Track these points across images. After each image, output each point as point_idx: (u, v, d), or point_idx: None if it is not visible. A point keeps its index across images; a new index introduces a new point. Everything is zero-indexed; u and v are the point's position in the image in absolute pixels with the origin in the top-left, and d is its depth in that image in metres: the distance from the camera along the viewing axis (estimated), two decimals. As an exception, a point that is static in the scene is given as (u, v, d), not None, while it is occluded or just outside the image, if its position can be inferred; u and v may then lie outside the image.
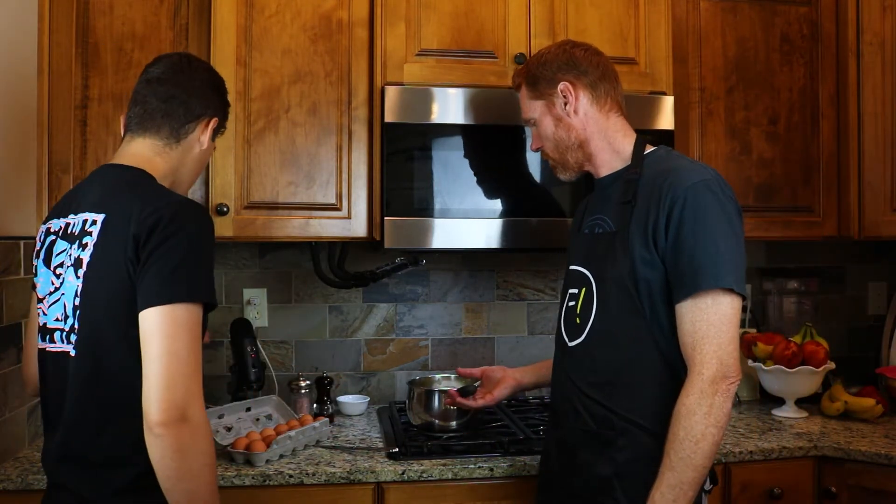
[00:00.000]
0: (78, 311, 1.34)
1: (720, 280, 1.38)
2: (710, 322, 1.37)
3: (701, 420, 1.35)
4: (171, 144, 1.45)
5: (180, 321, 1.23)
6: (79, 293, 1.34)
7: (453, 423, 1.99)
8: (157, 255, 1.25)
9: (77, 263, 1.35)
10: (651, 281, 1.45)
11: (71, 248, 1.36)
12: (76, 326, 1.34)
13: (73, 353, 1.34)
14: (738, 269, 1.40)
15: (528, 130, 2.00)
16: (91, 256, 1.33)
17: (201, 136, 1.49)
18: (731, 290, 1.38)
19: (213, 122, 1.51)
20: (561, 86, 1.59)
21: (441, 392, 2.00)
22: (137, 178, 1.39)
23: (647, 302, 1.45)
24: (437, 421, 2.00)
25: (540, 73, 1.62)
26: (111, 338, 1.30)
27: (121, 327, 1.28)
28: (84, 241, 1.35)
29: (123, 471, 1.30)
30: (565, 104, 1.59)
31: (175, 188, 1.48)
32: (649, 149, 1.58)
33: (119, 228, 1.30)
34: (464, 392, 1.92)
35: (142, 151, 1.43)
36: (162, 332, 1.22)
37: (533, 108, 1.65)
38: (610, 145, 1.59)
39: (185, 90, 1.45)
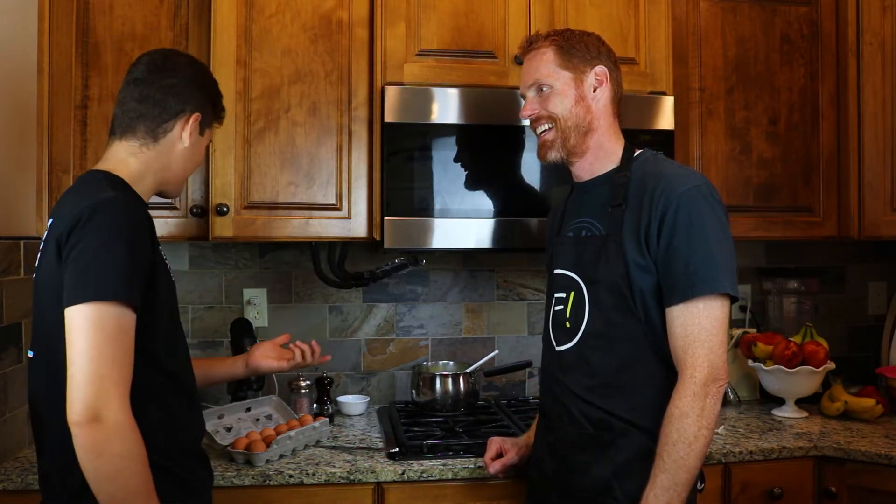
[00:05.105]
0: (34, 312, 1.38)
1: (716, 285, 1.41)
2: (703, 326, 1.40)
3: (694, 422, 1.37)
4: (148, 144, 1.43)
5: (92, 320, 1.22)
6: (34, 297, 1.38)
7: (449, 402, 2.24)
8: (74, 254, 1.25)
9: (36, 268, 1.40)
10: (644, 284, 1.47)
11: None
12: (34, 327, 1.39)
13: (30, 355, 1.38)
14: (732, 272, 1.43)
15: (529, 130, 2.00)
16: (38, 261, 1.38)
17: (182, 134, 1.45)
18: (723, 294, 1.41)
19: (195, 118, 1.47)
20: (598, 69, 1.58)
21: (443, 375, 2.24)
22: (96, 180, 1.39)
23: (641, 304, 1.48)
24: (438, 398, 2.24)
25: (579, 47, 1.59)
26: (55, 337, 1.29)
27: (61, 327, 1.27)
28: (41, 246, 1.39)
29: (73, 476, 1.27)
30: (595, 88, 1.58)
31: (164, 187, 1.49)
32: (636, 152, 1.60)
33: (55, 230, 1.32)
34: None
35: (116, 153, 1.44)
36: (76, 331, 1.22)
37: (557, 76, 1.58)
38: (607, 142, 1.60)
39: (160, 89, 1.43)
